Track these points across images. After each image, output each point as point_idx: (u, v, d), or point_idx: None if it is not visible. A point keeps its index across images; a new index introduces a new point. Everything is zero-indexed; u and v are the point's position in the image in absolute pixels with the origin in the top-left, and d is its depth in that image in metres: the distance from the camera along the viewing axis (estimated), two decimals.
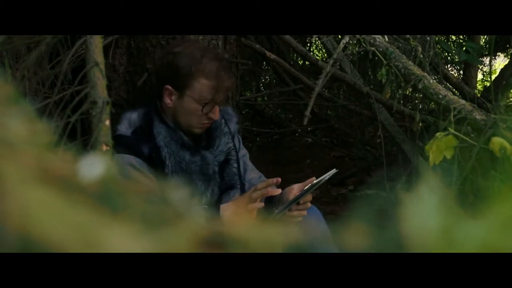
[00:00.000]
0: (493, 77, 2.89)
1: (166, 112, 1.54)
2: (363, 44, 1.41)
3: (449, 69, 3.73)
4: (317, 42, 4.75)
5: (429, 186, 0.31)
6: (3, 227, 0.26)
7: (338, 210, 2.67)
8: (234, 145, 1.65)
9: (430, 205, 0.30)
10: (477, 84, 4.24)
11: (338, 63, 2.28)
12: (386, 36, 1.48)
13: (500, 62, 4.26)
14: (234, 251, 0.30)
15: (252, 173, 1.70)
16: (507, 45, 3.53)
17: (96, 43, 0.88)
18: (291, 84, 3.71)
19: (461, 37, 3.54)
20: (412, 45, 1.66)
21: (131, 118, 1.53)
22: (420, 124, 1.67)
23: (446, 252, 0.30)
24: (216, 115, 1.52)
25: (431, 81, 1.36)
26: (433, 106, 2.39)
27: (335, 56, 1.44)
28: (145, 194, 0.32)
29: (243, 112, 4.21)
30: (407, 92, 3.06)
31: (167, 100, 1.52)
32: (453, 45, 3.48)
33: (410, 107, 2.78)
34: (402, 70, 1.38)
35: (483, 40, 3.85)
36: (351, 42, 1.45)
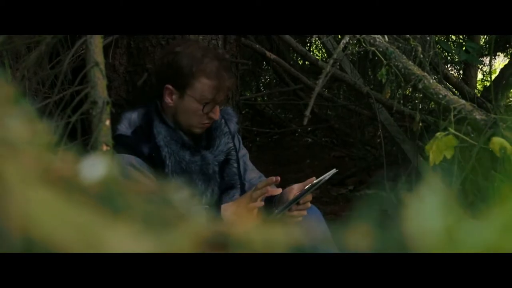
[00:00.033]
0: (493, 77, 2.89)
1: (166, 112, 1.54)
2: (363, 44, 1.41)
3: (449, 69, 3.73)
4: (317, 42, 4.75)
5: (430, 186, 0.31)
6: (4, 227, 0.26)
7: (338, 210, 2.67)
8: (234, 145, 1.65)
9: (432, 205, 0.30)
10: (477, 84, 4.24)
11: (338, 63, 2.28)
12: (386, 36, 1.48)
13: (500, 62, 4.26)
14: (235, 251, 0.30)
15: (252, 173, 1.70)
16: (507, 45, 3.53)
17: (96, 43, 0.88)
18: (291, 84, 3.71)
19: (461, 37, 3.54)
20: (412, 45, 1.67)
21: (131, 118, 1.54)
22: (420, 124, 1.67)
23: (448, 252, 0.30)
24: (216, 115, 1.52)
25: (431, 81, 1.36)
26: (433, 106, 2.40)
27: (335, 56, 1.44)
28: (146, 194, 0.32)
29: (243, 112, 4.21)
30: (407, 92, 3.06)
31: (168, 100, 1.52)
32: (453, 45, 3.48)
33: (410, 107, 2.78)
34: (402, 70, 1.38)
35: (483, 40, 3.85)
36: (351, 42, 1.45)
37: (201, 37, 1.85)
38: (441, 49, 2.54)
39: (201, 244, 0.29)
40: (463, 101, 1.31)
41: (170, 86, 1.50)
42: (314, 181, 1.46)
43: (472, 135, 1.26)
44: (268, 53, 2.67)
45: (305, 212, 1.47)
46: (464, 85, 2.79)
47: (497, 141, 1.16)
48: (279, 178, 1.42)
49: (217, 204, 1.49)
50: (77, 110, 0.90)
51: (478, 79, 4.29)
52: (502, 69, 2.92)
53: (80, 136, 1.00)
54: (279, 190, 1.56)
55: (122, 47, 1.89)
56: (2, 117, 0.34)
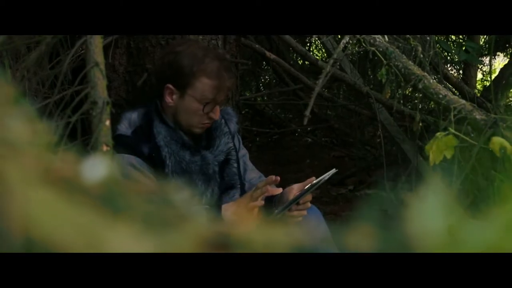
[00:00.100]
0: (493, 76, 2.89)
1: (166, 112, 1.54)
2: (363, 44, 1.41)
3: (449, 69, 3.73)
4: (317, 42, 4.75)
5: (431, 186, 0.31)
6: (5, 227, 0.26)
7: (338, 210, 2.67)
8: (234, 145, 1.65)
9: (433, 205, 0.30)
10: (477, 84, 4.25)
11: (338, 63, 2.28)
12: (386, 36, 1.48)
13: (500, 61, 4.26)
14: (235, 251, 0.30)
15: (252, 173, 1.70)
16: (507, 45, 3.53)
17: (96, 43, 0.88)
18: (291, 84, 3.71)
19: (461, 37, 3.54)
20: (412, 45, 1.67)
21: (131, 118, 1.54)
22: (420, 124, 1.67)
23: (449, 252, 0.30)
24: (216, 115, 1.52)
25: (431, 81, 1.36)
26: (433, 106, 2.39)
27: (335, 56, 1.44)
28: (146, 194, 0.32)
29: (243, 112, 4.21)
30: (407, 92, 3.06)
31: (168, 99, 1.52)
32: (453, 45, 3.49)
33: (410, 107, 2.78)
34: (402, 70, 1.38)
35: (483, 40, 3.85)
36: (351, 42, 1.45)
37: (201, 37, 1.85)
38: (441, 49, 2.54)
39: (202, 244, 0.29)
40: (463, 101, 1.31)
41: (170, 86, 1.50)
42: (314, 181, 1.46)
43: (472, 135, 1.26)
44: (268, 53, 2.67)
45: (305, 212, 1.47)
46: (464, 85, 2.79)
47: (497, 141, 1.16)
48: (278, 178, 1.42)
49: (217, 204, 1.49)
50: (77, 110, 0.90)
51: (478, 79, 4.29)
52: (502, 69, 2.92)
53: (80, 136, 1.00)
54: (279, 190, 1.56)
55: (122, 47, 1.89)
56: (2, 117, 0.34)
